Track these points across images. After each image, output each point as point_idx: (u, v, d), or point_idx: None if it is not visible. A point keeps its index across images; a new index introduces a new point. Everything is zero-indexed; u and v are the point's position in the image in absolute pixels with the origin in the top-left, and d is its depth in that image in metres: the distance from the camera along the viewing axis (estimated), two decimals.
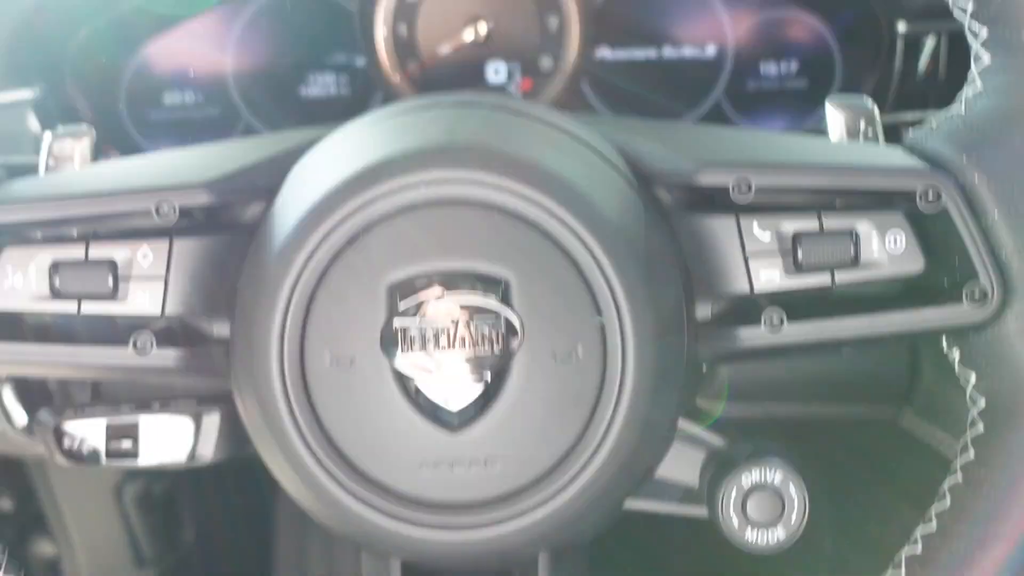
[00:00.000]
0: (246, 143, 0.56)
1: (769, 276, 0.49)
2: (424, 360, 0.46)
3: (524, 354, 0.46)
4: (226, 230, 0.51)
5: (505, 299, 0.46)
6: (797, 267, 0.49)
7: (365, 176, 0.46)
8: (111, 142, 0.90)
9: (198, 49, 0.92)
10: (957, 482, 0.49)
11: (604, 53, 0.95)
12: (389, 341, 0.46)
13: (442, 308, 0.46)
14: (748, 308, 0.51)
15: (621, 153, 0.51)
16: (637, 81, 0.95)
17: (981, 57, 0.47)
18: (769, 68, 0.94)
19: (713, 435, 0.53)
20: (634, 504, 0.53)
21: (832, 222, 0.49)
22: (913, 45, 0.87)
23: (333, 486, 0.46)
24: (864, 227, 0.48)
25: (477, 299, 0.46)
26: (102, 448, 0.63)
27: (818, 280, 0.49)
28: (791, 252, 0.49)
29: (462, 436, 0.46)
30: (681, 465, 0.54)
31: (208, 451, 0.64)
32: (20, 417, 0.79)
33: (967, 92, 0.48)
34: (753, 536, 0.49)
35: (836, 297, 0.51)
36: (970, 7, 0.45)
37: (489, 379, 0.46)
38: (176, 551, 1.29)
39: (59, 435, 0.63)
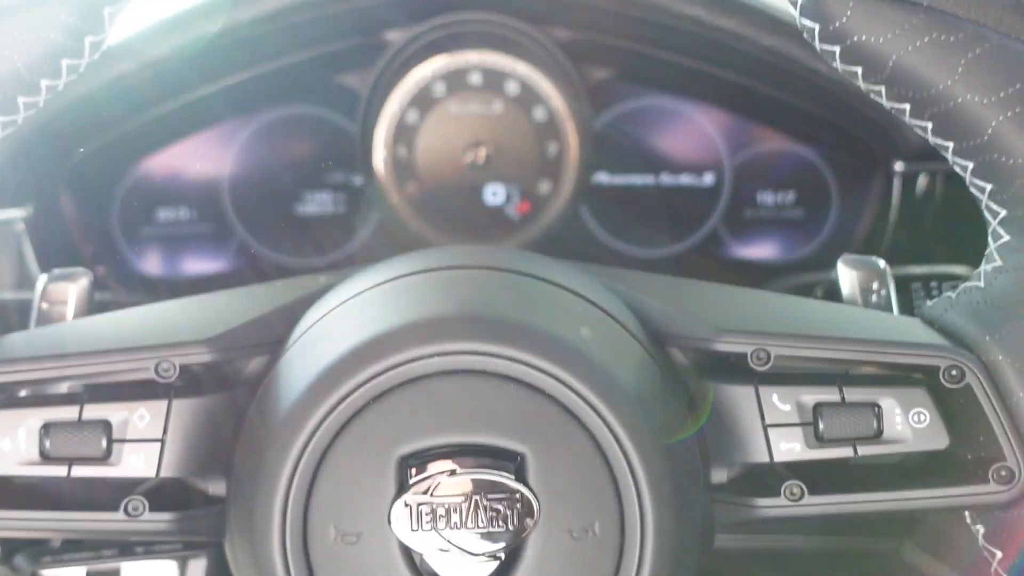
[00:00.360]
0: (248, 293, 0.54)
1: (789, 447, 0.48)
2: (435, 538, 0.43)
3: (540, 531, 0.44)
4: (226, 387, 0.49)
5: (520, 474, 0.44)
6: (819, 439, 0.48)
7: (376, 345, 0.44)
8: (101, 259, 0.88)
9: (194, 166, 0.92)
10: None
11: (602, 178, 0.95)
12: (398, 517, 0.43)
13: (454, 484, 0.44)
14: (765, 472, 0.50)
15: (636, 314, 0.50)
16: (635, 206, 0.95)
17: (1000, 234, 0.47)
18: (766, 197, 0.94)
19: None
20: None
21: (854, 394, 0.48)
22: (910, 182, 0.88)
23: None
24: (887, 402, 0.47)
25: (491, 476, 0.44)
26: None
27: (840, 453, 0.48)
28: (812, 423, 0.48)
29: None
30: None
31: None
32: None
33: (986, 266, 0.48)
34: None
35: (856, 465, 0.50)
36: (989, 187, 0.45)
37: (503, 557, 0.44)
38: None
39: None
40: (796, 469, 0.49)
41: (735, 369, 0.49)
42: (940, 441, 0.47)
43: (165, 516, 0.48)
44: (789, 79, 0.83)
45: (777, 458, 0.48)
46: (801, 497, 0.48)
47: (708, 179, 0.94)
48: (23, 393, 0.48)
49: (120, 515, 0.47)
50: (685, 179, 0.94)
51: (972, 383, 0.46)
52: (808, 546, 0.87)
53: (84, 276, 0.56)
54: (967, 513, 0.50)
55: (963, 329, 0.48)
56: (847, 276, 0.56)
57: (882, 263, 0.57)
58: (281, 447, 0.44)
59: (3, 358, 0.46)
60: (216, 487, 0.49)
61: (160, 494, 0.49)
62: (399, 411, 0.44)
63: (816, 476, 0.49)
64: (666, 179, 0.94)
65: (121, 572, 0.60)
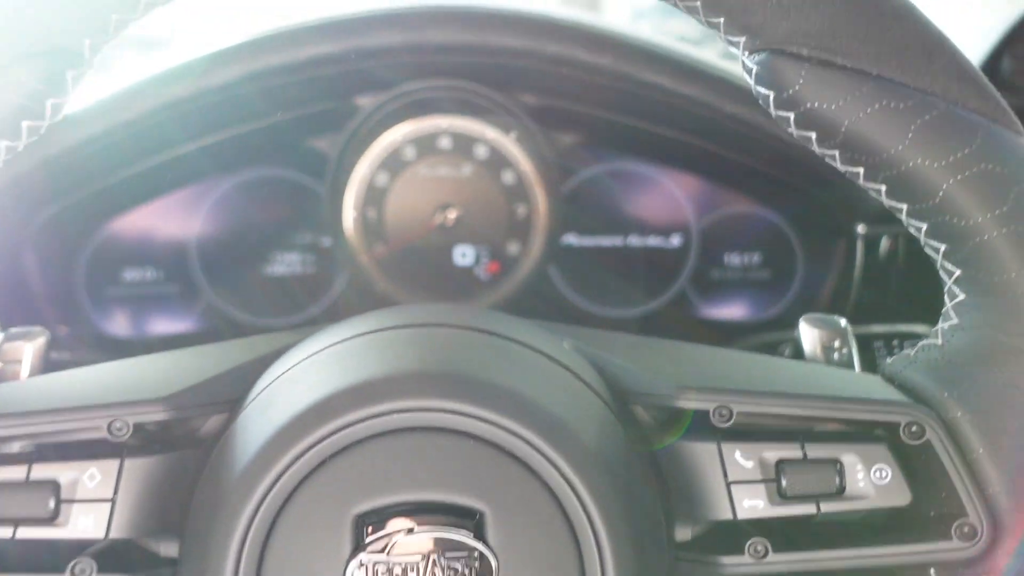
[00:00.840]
0: (206, 352, 0.54)
1: (753, 504, 0.48)
2: None
3: None
4: (181, 446, 0.48)
5: (479, 532, 0.43)
6: (781, 495, 0.47)
7: (334, 402, 0.44)
8: (64, 319, 0.87)
9: (162, 227, 0.91)
10: None
11: (571, 239, 0.96)
12: None
13: (412, 543, 0.43)
14: (730, 528, 0.49)
15: (598, 371, 0.50)
16: (604, 267, 0.96)
17: (956, 293, 0.47)
18: (733, 259, 0.95)
19: None
20: None
21: (816, 451, 0.48)
22: (873, 244, 0.89)
23: None
24: (849, 458, 0.47)
25: (449, 534, 0.43)
26: None
27: (803, 510, 0.47)
28: (775, 480, 0.48)
29: None
30: None
31: None
32: None
33: (943, 324, 0.49)
34: None
35: (820, 522, 0.50)
36: (943, 248, 0.46)
37: None
38: None
39: None
40: (760, 526, 0.49)
41: (697, 426, 0.49)
42: (902, 498, 0.47)
43: None
44: (753, 145, 0.85)
45: (740, 515, 0.47)
46: (765, 555, 0.47)
47: (675, 241, 0.95)
48: None
49: None
50: (653, 241, 0.95)
51: (932, 439, 0.46)
52: None
53: (41, 335, 0.55)
54: (932, 571, 0.49)
55: (922, 386, 0.48)
56: (809, 335, 0.56)
57: (843, 322, 0.57)
58: (234, 507, 0.43)
59: None
60: (168, 548, 0.48)
61: (109, 554, 0.47)
62: (356, 469, 0.44)
63: (781, 532, 0.48)
64: (634, 241, 0.95)
65: None
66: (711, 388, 0.48)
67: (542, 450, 0.44)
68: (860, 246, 0.90)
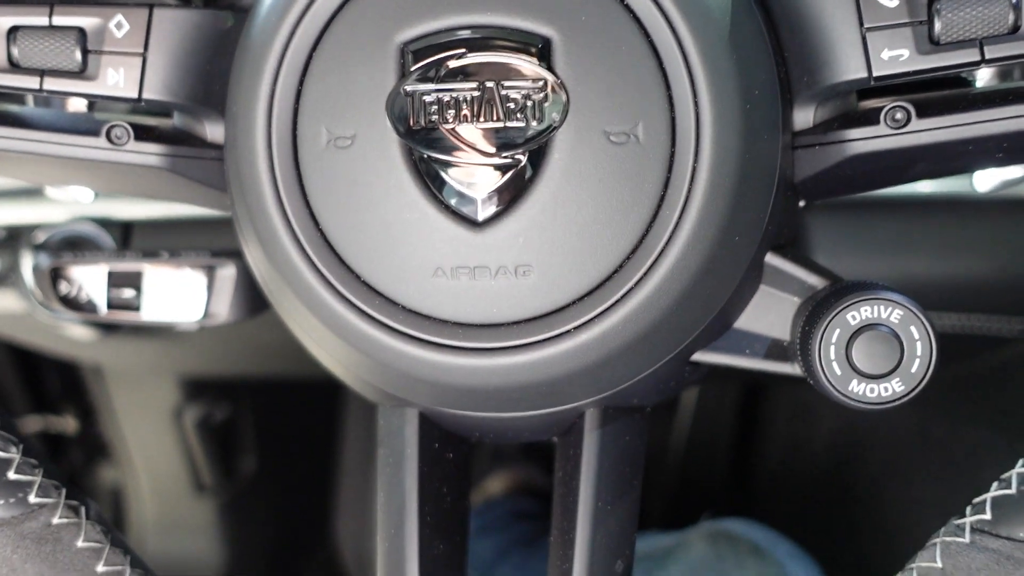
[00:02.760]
0: None
1: (895, 55, 0.38)
2: (441, 135, 0.36)
3: (568, 130, 0.36)
4: (218, 5, 0.42)
5: (545, 61, 0.36)
6: (934, 41, 0.37)
7: None
8: None
9: None
10: None
11: None
12: (398, 111, 0.36)
13: (465, 71, 0.36)
14: (859, 117, 0.40)
15: None
16: None
17: None
18: None
19: (811, 274, 0.42)
20: (707, 357, 0.42)
21: None
22: None
23: (327, 294, 0.37)
24: None
25: (509, 59, 0.36)
26: (103, 296, 0.56)
27: (962, 58, 0.37)
28: (926, 22, 0.37)
29: (487, 235, 0.36)
30: (769, 314, 0.42)
31: (222, 309, 0.56)
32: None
33: None
34: (860, 389, 0.38)
35: (973, 91, 0.40)
36: None
37: (523, 160, 0.36)
38: (236, 480, 1.25)
39: (56, 278, 0.56)
40: (900, 91, 0.39)
41: None
42: None
43: (153, 148, 0.42)
44: None
45: (877, 71, 0.38)
46: (907, 122, 0.38)
47: None
48: None
49: (102, 141, 0.42)
50: None
51: None
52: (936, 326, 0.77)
53: None
54: None
55: None
56: None
57: None
58: (265, 42, 0.38)
59: None
60: (214, 131, 0.43)
61: (148, 127, 0.43)
62: None
63: (925, 100, 0.39)
64: None
65: (144, 275, 0.56)
66: None
67: None
68: None
